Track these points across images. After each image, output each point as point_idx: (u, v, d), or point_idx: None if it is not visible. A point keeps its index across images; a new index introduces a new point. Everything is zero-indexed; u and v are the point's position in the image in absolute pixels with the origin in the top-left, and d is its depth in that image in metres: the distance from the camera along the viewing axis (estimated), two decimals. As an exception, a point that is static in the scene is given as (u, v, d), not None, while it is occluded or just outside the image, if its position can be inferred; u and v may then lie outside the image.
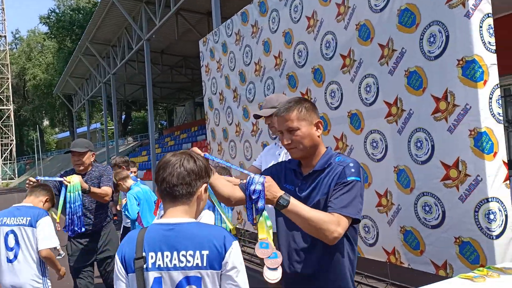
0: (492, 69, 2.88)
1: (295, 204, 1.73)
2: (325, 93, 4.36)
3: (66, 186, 3.64)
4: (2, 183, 42.87)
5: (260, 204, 1.67)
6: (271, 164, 2.30)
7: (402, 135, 3.42)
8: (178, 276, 1.54)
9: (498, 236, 2.83)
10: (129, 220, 5.29)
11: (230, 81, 6.33)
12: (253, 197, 1.66)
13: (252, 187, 1.67)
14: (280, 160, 3.03)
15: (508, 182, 2.90)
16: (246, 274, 1.59)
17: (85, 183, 3.74)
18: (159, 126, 47.33)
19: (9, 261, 3.14)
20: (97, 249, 4.06)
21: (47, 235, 3.21)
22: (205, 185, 1.69)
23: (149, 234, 1.60)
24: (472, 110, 2.88)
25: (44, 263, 3.28)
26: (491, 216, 2.82)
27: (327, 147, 2.02)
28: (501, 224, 2.85)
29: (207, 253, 1.53)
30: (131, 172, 5.94)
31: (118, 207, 6.31)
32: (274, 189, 1.71)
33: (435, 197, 3.20)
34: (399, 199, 3.51)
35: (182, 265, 1.53)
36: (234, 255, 1.56)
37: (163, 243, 1.56)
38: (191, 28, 14.93)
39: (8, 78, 44.70)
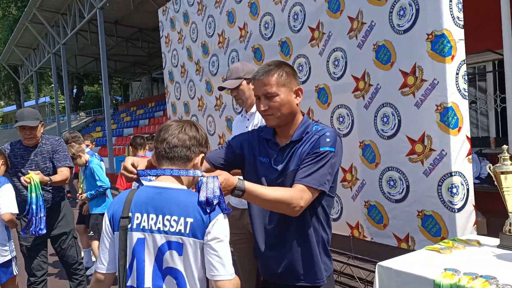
0: (459, 44, 2.90)
1: (250, 189, 1.63)
2: (293, 66, 4.27)
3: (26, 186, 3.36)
4: None
5: (223, 205, 1.56)
6: None
7: (368, 110, 3.42)
8: (160, 239, 1.53)
9: (459, 209, 2.90)
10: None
11: (192, 53, 6.11)
12: (214, 203, 1.51)
13: (210, 194, 1.51)
14: None
15: (470, 156, 2.97)
16: (229, 247, 1.53)
17: (45, 177, 3.42)
18: (114, 101, 45.76)
19: None
20: (51, 226, 3.81)
21: (8, 201, 3.34)
22: (202, 155, 1.67)
23: (138, 195, 1.60)
24: (440, 85, 2.90)
25: (7, 227, 3.44)
26: (454, 190, 2.88)
27: (303, 115, 1.95)
28: (463, 197, 2.92)
29: (191, 220, 1.51)
30: (86, 146, 5.67)
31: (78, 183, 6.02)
32: (229, 184, 1.60)
33: (400, 172, 3.23)
34: (363, 174, 3.53)
35: (166, 229, 1.52)
36: (218, 227, 1.52)
37: (150, 205, 1.56)
38: (148, -2, 14.33)
39: None
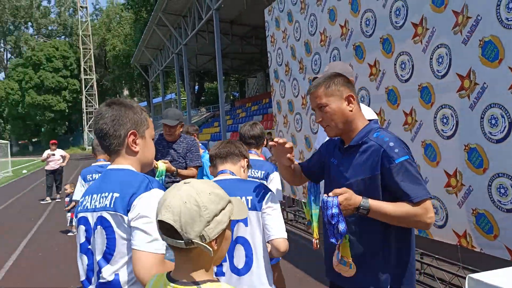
0: None
1: (376, 207, 1.67)
2: (395, 64, 4.10)
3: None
4: (88, 149, 46.41)
5: (342, 227, 1.60)
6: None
7: (474, 111, 3.15)
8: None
9: None
10: None
11: (296, 52, 6.19)
12: (333, 222, 1.59)
13: (329, 212, 1.60)
14: None
15: None
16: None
17: (172, 167, 3.85)
18: (231, 97, 48.01)
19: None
20: None
21: None
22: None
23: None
24: (560, 84, 2.56)
25: None
26: None
27: (369, 121, 1.90)
28: None
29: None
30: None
31: None
32: (350, 203, 1.64)
33: (512, 179, 2.93)
34: (470, 180, 3.27)
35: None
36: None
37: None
38: (261, -4, 14.75)
39: (90, 49, 47.47)
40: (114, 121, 1.56)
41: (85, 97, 46.94)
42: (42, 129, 52.31)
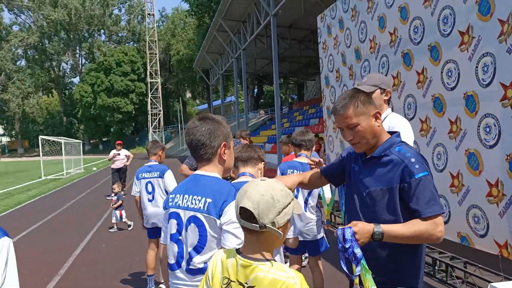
0: None
1: (388, 232, 1.76)
2: (442, 72, 4.10)
3: None
4: (152, 149, 48.58)
5: (358, 253, 1.68)
6: None
7: (518, 121, 3.11)
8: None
9: None
10: None
11: (346, 58, 6.27)
12: (349, 251, 1.67)
13: (347, 245, 1.68)
14: None
15: None
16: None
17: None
18: (290, 100, 48.16)
19: (149, 200, 4.55)
20: None
21: (172, 181, 4.50)
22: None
23: None
24: None
25: None
26: None
27: (391, 135, 2.00)
28: None
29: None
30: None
31: None
32: (364, 233, 1.73)
33: (556, 191, 2.88)
34: (511, 190, 3.23)
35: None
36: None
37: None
38: (318, 1, 14.82)
39: (156, 54, 49.67)
40: (210, 134, 1.83)
41: (150, 99, 49.18)
42: (111, 130, 55.54)
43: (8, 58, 55.39)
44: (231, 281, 1.43)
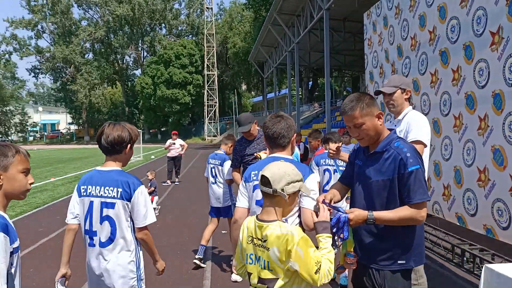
0: None
1: (379, 217, 2.13)
2: (474, 70, 4.26)
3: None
4: (207, 139, 50.19)
5: (345, 234, 2.09)
6: None
7: (540, 119, 3.26)
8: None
9: None
10: None
11: (389, 55, 6.44)
12: (340, 229, 2.10)
13: (339, 230, 2.10)
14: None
15: None
16: None
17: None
18: (345, 93, 47.60)
19: (212, 183, 5.35)
20: None
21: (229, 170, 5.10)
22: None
23: None
24: None
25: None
26: None
27: (390, 130, 2.30)
28: None
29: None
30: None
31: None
32: (359, 218, 2.12)
33: None
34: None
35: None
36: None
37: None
38: (372, -5, 14.78)
39: (213, 47, 51.03)
40: (288, 128, 2.41)
41: (207, 91, 50.59)
42: (170, 120, 57.82)
43: (77, 51, 59.16)
44: (253, 238, 1.95)
